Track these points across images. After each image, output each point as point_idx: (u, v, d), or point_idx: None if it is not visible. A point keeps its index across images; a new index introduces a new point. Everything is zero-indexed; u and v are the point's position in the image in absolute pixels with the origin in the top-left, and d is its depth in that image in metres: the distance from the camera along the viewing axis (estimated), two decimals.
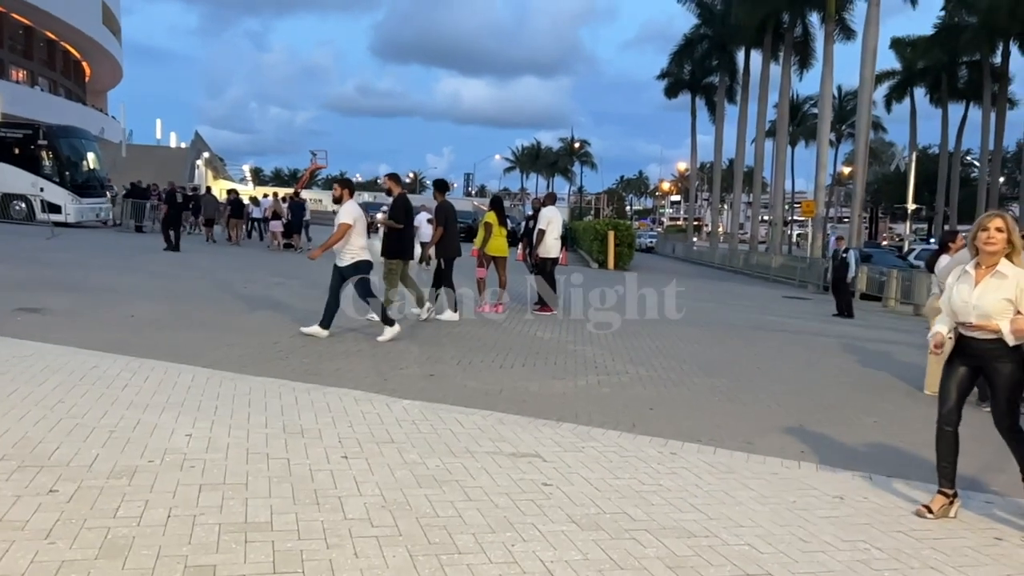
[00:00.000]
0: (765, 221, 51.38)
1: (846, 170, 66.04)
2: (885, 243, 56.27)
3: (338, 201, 8.19)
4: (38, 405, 4.57)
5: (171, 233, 17.82)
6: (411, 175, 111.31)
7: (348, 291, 7.96)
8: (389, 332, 7.96)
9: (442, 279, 9.98)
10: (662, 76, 47.79)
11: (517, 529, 3.35)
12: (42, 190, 23.67)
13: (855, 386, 7.80)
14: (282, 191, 37.36)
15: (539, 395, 6.18)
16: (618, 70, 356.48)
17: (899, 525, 3.81)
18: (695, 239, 57.11)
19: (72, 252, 15.67)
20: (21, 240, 17.42)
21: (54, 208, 23.18)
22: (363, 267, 7.91)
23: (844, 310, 15.25)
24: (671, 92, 48.17)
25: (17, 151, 24.02)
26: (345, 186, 8.27)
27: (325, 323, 7.87)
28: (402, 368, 6.77)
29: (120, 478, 3.52)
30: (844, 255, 15.41)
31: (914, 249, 31.49)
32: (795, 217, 67.55)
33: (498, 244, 10.89)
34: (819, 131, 30.01)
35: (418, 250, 11.03)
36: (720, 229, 52.27)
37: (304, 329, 7.89)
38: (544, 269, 11.48)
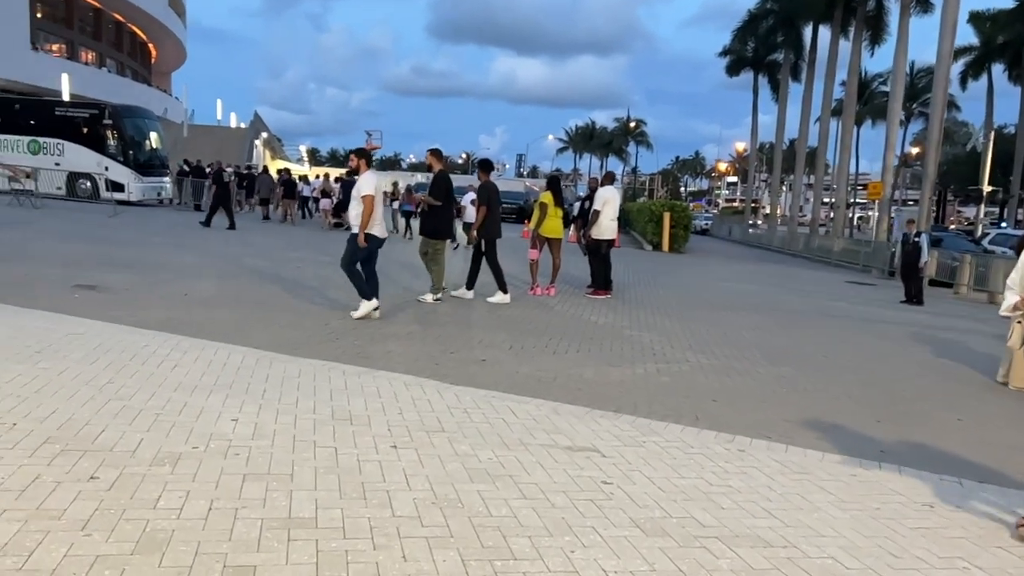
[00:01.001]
0: (826, 203, 49.71)
1: (914, 150, 63.41)
2: (953, 227, 53.96)
3: (354, 173, 7.87)
4: (88, 385, 4.51)
5: (217, 211, 18.12)
6: (463, 155, 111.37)
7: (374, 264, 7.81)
8: (363, 308, 7.65)
9: (486, 260, 9.76)
10: (724, 53, 46.44)
11: (576, 533, 3.11)
12: (107, 169, 24.24)
13: (931, 378, 7.33)
14: (335, 172, 37.73)
15: (595, 383, 5.91)
16: (676, 49, 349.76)
17: (998, 540, 3.45)
18: (757, 221, 55.67)
19: (132, 230, 15.96)
20: (85, 217, 17.85)
21: (117, 187, 23.75)
22: (371, 240, 7.64)
23: (914, 297, 14.53)
24: (733, 70, 46.77)
25: (83, 130, 24.61)
26: (362, 156, 7.89)
27: (368, 295, 7.66)
28: (453, 352, 6.58)
29: (163, 465, 3.40)
30: (916, 239, 14.64)
31: (988, 233, 30.00)
32: (857, 199, 65.35)
33: (553, 225, 10.60)
34: (889, 109, 28.71)
35: (461, 231, 10.82)
36: (778, 211, 50.75)
37: (355, 314, 7.66)
38: (599, 251, 11.16)
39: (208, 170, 27.90)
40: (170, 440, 3.72)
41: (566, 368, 6.32)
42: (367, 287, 7.69)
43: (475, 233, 9.61)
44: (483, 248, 9.70)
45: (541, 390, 5.52)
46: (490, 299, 9.62)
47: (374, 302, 7.68)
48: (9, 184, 20.57)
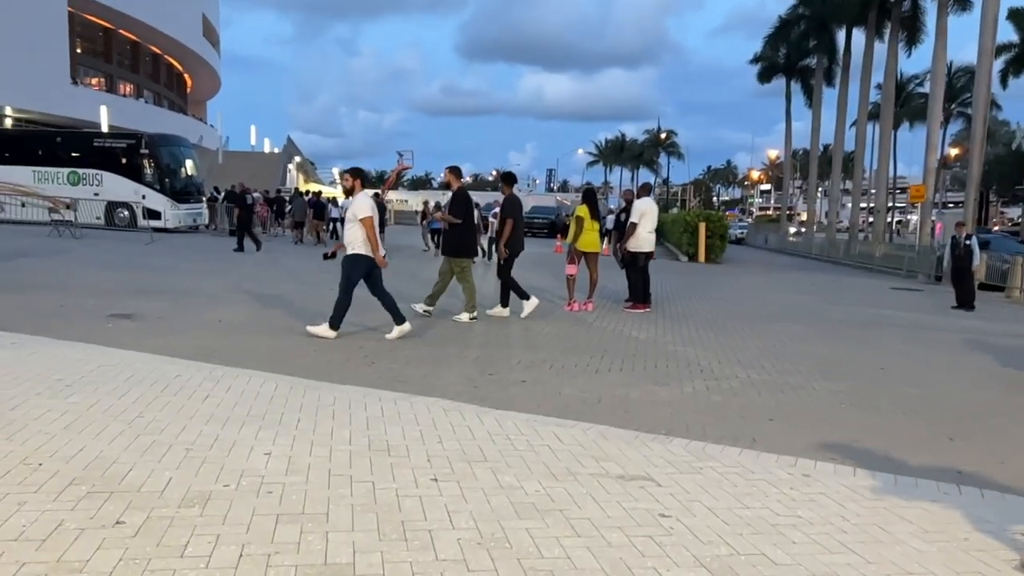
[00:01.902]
0: (863, 208, 48.63)
1: (953, 152, 61.90)
2: (997, 228, 52.37)
3: (349, 192, 7.62)
4: (117, 419, 4.36)
5: (244, 235, 18.25)
6: (494, 172, 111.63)
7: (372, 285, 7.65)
8: (397, 330, 7.54)
9: (500, 272, 9.57)
10: (755, 60, 45.92)
11: (637, 575, 2.84)
12: (144, 197, 24.61)
13: (997, 390, 6.90)
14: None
15: (642, 403, 5.63)
16: (705, 59, 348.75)
17: None
18: (794, 228, 54.71)
19: (167, 257, 16.07)
20: (122, 246, 18.05)
21: (154, 214, 24.11)
22: (363, 262, 7.43)
23: (965, 302, 13.95)
24: (764, 77, 46.19)
25: (120, 160, 25.03)
26: (356, 176, 7.60)
27: (336, 324, 7.47)
28: (492, 374, 6.34)
29: (192, 506, 3.20)
30: (967, 242, 14.07)
31: None
32: (895, 203, 63.94)
33: (590, 239, 10.35)
34: (930, 110, 28.00)
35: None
36: (814, 218, 49.73)
37: (312, 329, 7.50)
38: (636, 264, 10.87)
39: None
40: (200, 478, 3.54)
41: (611, 388, 6.04)
42: (343, 313, 7.49)
43: (504, 248, 9.38)
44: (500, 261, 9.51)
45: (586, 412, 5.26)
46: (489, 311, 9.47)
47: (333, 332, 7.44)
48: (49, 215, 20.94)
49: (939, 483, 4.12)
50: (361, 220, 7.32)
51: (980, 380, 7.28)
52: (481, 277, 9.65)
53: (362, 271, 7.48)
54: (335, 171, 77.54)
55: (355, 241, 7.41)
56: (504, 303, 9.59)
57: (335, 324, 7.47)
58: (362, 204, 7.38)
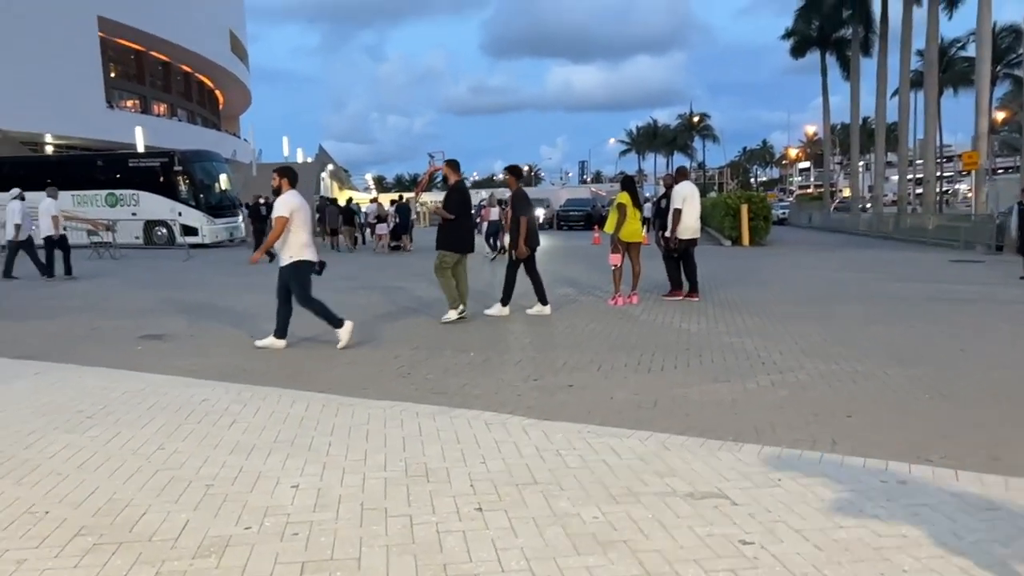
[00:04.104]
0: (909, 180, 46.97)
1: (1000, 116, 59.48)
2: None
3: (278, 192, 7.16)
4: (135, 454, 4.04)
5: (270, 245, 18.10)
6: (526, 168, 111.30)
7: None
8: (270, 340, 7.13)
9: (507, 270, 9.12)
10: (787, 35, 44.60)
11: None
12: (180, 214, 24.75)
13: None
14: (386, 196, 38.58)
15: (702, 404, 5.15)
16: (734, 38, 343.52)
17: None
18: (842, 204, 53.17)
19: (203, 273, 15.97)
20: (160, 264, 18.06)
21: (191, 231, 24.22)
22: (304, 267, 6.99)
23: None
24: (798, 51, 44.82)
25: (155, 179, 25.21)
26: (284, 175, 7.16)
27: (338, 322, 7.14)
28: (536, 379, 5.91)
29: (208, 556, 2.84)
30: None
31: None
32: (942, 173, 61.81)
33: (633, 228, 9.84)
34: (978, 73, 26.72)
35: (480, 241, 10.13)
36: (856, 193, 48.08)
37: (259, 343, 7.13)
38: (684, 251, 10.35)
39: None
40: (219, 520, 3.18)
41: (667, 388, 5.57)
42: (332, 313, 7.14)
43: (523, 247, 8.91)
44: (513, 257, 9.06)
45: (642, 418, 4.80)
46: (487, 311, 9.06)
47: (345, 333, 7.13)
48: (88, 238, 21.11)
49: None
50: (275, 218, 6.87)
51: None
52: (488, 273, 9.17)
53: (307, 274, 7.06)
54: (368, 177, 78.08)
55: (288, 247, 6.96)
56: (543, 301, 9.16)
57: (336, 324, 7.13)
58: (280, 203, 6.90)
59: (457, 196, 8.67)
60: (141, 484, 3.60)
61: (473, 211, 9.66)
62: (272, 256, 18.25)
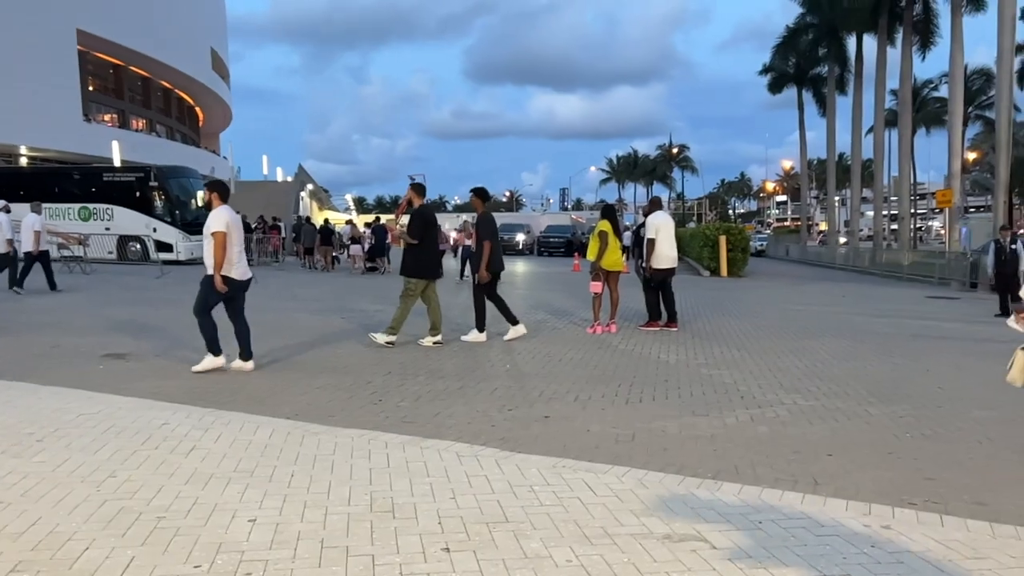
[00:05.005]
0: (883, 215, 47.71)
1: (971, 156, 60.79)
2: (1023, 231, 51.20)
3: (208, 207, 7.01)
4: (84, 481, 3.82)
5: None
6: (507, 194, 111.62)
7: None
8: (207, 362, 6.89)
9: (474, 294, 9.00)
10: (765, 71, 45.43)
11: None
12: (155, 230, 24.34)
13: None
14: (362, 218, 38.85)
15: (681, 439, 5.01)
16: (714, 72, 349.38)
17: None
18: (821, 238, 53.88)
19: (175, 290, 15.63)
20: (132, 280, 17.69)
21: (165, 247, 23.82)
22: (230, 284, 6.79)
23: (1011, 309, 13.19)
24: (775, 87, 45.61)
25: (130, 194, 24.81)
26: (214, 189, 7.04)
27: (216, 349, 6.91)
28: (511, 409, 5.75)
29: None
30: (1013, 246, 13.34)
31: None
32: (916, 210, 62.95)
33: (615, 258, 9.78)
34: (951, 114, 27.28)
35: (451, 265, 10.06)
36: (832, 227, 48.69)
37: (196, 368, 6.88)
38: (662, 281, 10.29)
39: (254, 226, 28.07)
40: (168, 557, 2.97)
41: (645, 421, 5.43)
42: (216, 339, 6.88)
43: (485, 272, 8.80)
44: (476, 282, 8.96)
45: (620, 453, 4.65)
46: (464, 337, 8.89)
47: (219, 360, 6.85)
48: (59, 252, 20.65)
49: None
50: (212, 234, 6.68)
51: None
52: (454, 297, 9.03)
53: (220, 293, 6.85)
54: (349, 197, 77.78)
55: (209, 259, 6.78)
56: (513, 322, 9.01)
57: (214, 350, 6.88)
58: (215, 218, 6.73)
59: (420, 221, 8.49)
60: (87, 515, 3.38)
61: (458, 234, 9.58)
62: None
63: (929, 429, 5.37)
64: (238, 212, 22.77)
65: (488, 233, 8.79)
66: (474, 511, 3.55)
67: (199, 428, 4.86)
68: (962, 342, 10.05)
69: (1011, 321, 2.47)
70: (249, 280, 7.09)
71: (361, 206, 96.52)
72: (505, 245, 38.78)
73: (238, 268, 6.89)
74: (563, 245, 38.30)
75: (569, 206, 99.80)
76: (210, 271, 6.77)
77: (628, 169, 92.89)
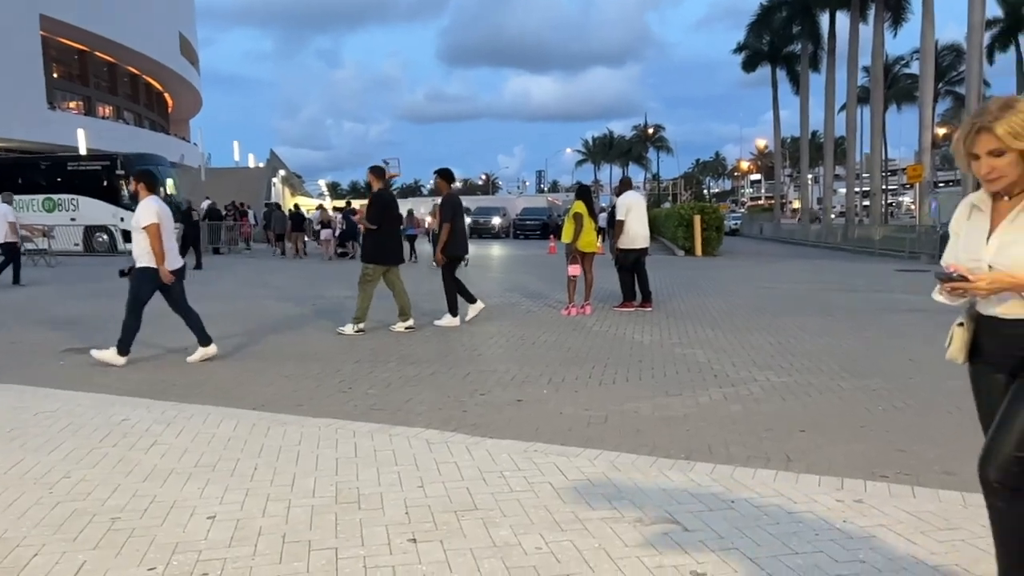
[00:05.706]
0: (857, 192, 48.20)
1: (941, 131, 61.53)
2: None
3: (135, 197, 6.79)
4: (38, 483, 3.68)
5: (202, 252, 18.24)
6: (483, 177, 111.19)
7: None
8: (201, 352, 6.81)
9: (443, 278, 8.84)
10: (739, 49, 45.49)
11: None
12: (122, 220, 23.86)
13: None
14: (331, 203, 38.70)
15: (654, 420, 4.97)
16: (689, 52, 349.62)
17: None
18: (796, 217, 54.33)
19: None
20: (98, 272, 17.30)
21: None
22: (153, 277, 6.61)
23: None
24: (749, 65, 45.73)
25: (96, 183, 24.29)
26: (141, 179, 6.82)
27: (125, 349, 6.66)
28: (483, 393, 5.68)
29: None
30: None
31: None
32: (887, 186, 63.67)
33: (590, 239, 9.72)
34: (921, 90, 27.54)
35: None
36: (806, 204, 49.13)
37: (189, 358, 6.77)
38: (631, 262, 10.24)
39: (224, 213, 27.62)
40: (121, 559, 2.86)
41: (618, 402, 5.38)
42: (132, 337, 6.64)
43: (440, 255, 8.69)
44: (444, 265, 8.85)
45: (592, 435, 4.60)
46: (437, 322, 8.77)
47: (122, 359, 6.61)
48: (22, 245, 20.17)
49: None
50: (144, 228, 6.47)
51: None
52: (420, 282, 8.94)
53: (152, 287, 6.66)
54: (322, 183, 77.01)
55: (142, 254, 6.57)
56: (453, 312, 8.88)
57: (123, 349, 6.62)
58: (145, 210, 6.52)
59: (379, 204, 8.33)
60: (38, 519, 3.24)
61: (432, 218, 9.50)
62: (199, 263, 17.98)
63: (901, 402, 5.38)
64: (208, 198, 22.43)
65: (450, 215, 8.64)
66: (443, 499, 3.47)
67: (161, 422, 4.72)
68: (932, 314, 10.11)
69: (935, 293, 2.35)
70: (183, 268, 6.90)
71: (335, 191, 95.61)
72: (481, 228, 38.65)
73: (171, 257, 6.68)
74: (539, 228, 38.23)
75: (545, 188, 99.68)
76: (149, 264, 6.55)
77: (604, 150, 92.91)
